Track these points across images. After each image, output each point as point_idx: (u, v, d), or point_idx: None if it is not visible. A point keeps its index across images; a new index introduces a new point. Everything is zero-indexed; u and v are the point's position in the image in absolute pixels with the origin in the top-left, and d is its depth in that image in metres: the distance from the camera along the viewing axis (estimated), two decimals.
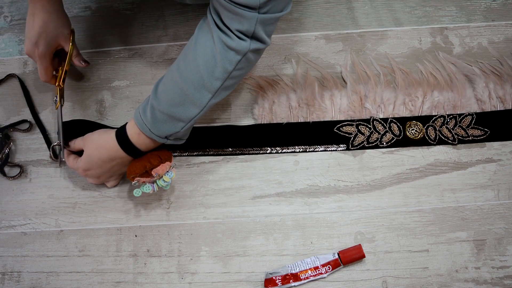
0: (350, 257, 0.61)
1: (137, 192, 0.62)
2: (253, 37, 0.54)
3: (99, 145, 0.61)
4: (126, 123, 0.61)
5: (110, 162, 0.62)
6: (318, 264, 0.61)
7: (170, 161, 0.62)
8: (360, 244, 0.62)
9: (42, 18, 0.62)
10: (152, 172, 0.60)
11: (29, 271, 0.64)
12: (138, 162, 0.61)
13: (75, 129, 0.69)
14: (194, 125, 0.71)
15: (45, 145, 0.70)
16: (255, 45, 0.54)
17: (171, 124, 0.58)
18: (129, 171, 0.61)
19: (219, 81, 0.56)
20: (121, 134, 0.60)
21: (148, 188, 0.62)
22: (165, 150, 0.62)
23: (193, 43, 0.57)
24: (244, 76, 0.62)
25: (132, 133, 0.60)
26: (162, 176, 0.61)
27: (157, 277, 0.63)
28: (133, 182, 0.61)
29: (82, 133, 0.65)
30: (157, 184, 0.62)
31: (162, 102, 0.57)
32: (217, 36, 0.54)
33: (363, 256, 0.62)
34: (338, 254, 0.62)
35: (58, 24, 0.64)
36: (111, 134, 0.61)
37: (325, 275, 0.61)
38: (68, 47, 0.66)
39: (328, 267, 0.61)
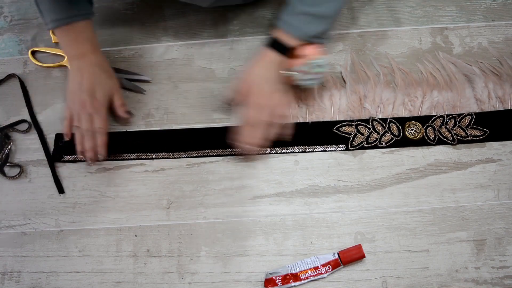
0: (350, 257, 0.62)
1: (303, 81, 0.65)
2: None
3: (263, 69, 0.65)
4: (272, 38, 0.66)
5: (277, 83, 0.65)
6: (318, 264, 0.61)
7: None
8: (360, 244, 0.62)
9: (93, 71, 0.65)
10: (302, 53, 0.63)
11: (29, 271, 0.64)
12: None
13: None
14: (194, 126, 0.71)
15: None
16: None
17: (317, 24, 0.64)
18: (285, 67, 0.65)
19: None
20: (276, 45, 0.65)
21: (301, 68, 0.64)
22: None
23: None
24: None
25: (285, 40, 0.65)
26: (314, 57, 0.63)
27: (157, 277, 0.63)
28: (287, 72, 0.64)
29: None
30: (311, 65, 0.63)
31: (306, 4, 0.63)
32: None
33: (363, 256, 0.62)
34: (338, 254, 0.62)
35: (108, 75, 0.67)
36: (266, 54, 0.65)
37: (325, 275, 0.61)
38: (119, 99, 0.68)
39: (328, 267, 0.61)
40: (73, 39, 0.65)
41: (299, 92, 0.70)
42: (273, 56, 0.65)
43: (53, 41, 0.77)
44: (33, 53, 0.76)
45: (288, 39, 0.65)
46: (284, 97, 0.67)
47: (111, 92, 0.67)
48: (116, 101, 0.68)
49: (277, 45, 0.65)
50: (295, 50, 0.65)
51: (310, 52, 0.64)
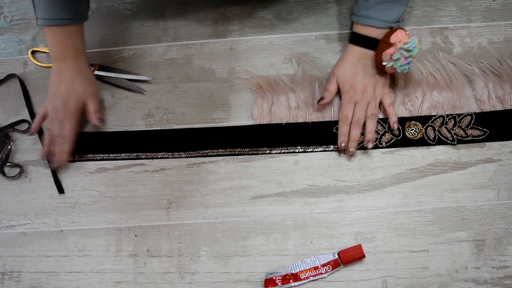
0: (350, 257, 0.62)
1: (399, 68, 0.65)
2: None
3: (353, 67, 0.67)
4: (355, 34, 0.68)
5: (369, 76, 0.67)
6: (318, 264, 0.61)
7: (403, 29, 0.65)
8: (360, 244, 0.62)
9: (71, 76, 0.66)
10: (391, 41, 0.63)
11: (29, 271, 0.64)
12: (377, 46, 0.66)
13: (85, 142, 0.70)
14: (194, 125, 0.71)
15: None
16: None
17: (394, 8, 0.65)
18: (376, 58, 0.66)
19: None
20: (360, 40, 0.67)
21: (396, 56, 0.63)
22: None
23: None
24: None
25: (366, 33, 0.67)
26: (404, 41, 0.63)
27: (157, 277, 0.63)
28: (383, 62, 0.64)
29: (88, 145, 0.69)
30: (404, 49, 0.63)
31: None
32: None
33: (363, 256, 0.62)
34: (338, 254, 0.62)
35: (86, 82, 0.67)
36: (353, 50, 0.68)
37: (325, 275, 0.61)
38: (94, 104, 0.68)
39: (328, 267, 0.61)
40: (60, 41, 0.65)
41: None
42: (359, 51, 0.68)
43: None
44: (33, 53, 0.77)
45: (370, 32, 0.67)
46: (380, 88, 0.68)
47: (85, 99, 0.67)
48: (90, 107, 0.68)
49: (361, 40, 0.67)
50: (381, 40, 0.66)
51: (398, 38, 0.64)
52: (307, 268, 0.61)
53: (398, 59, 0.63)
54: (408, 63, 0.64)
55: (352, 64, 0.68)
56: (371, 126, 0.67)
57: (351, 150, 0.67)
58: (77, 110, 0.67)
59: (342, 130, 0.67)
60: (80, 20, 0.66)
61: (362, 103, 0.67)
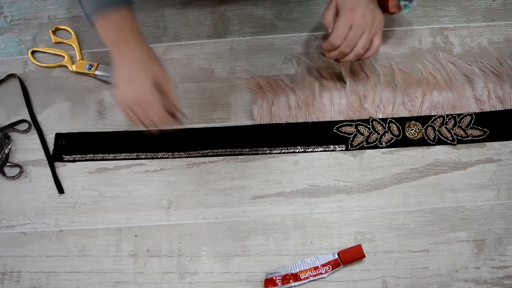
0: (351, 257, 0.62)
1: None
2: None
3: None
4: None
5: (372, 3, 0.64)
6: (318, 264, 0.61)
7: None
8: (360, 244, 0.62)
9: (135, 62, 0.60)
10: None
11: (29, 271, 0.64)
12: None
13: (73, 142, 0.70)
14: (194, 126, 0.71)
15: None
16: None
17: None
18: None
19: None
20: None
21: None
22: None
23: None
24: None
25: None
26: None
27: (157, 277, 0.63)
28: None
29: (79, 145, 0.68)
30: None
31: None
32: None
33: (363, 256, 0.62)
34: (338, 254, 0.62)
35: (155, 64, 0.61)
36: None
37: (325, 275, 0.61)
38: (168, 87, 0.61)
39: (328, 267, 0.61)
40: (116, 26, 0.59)
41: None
42: None
43: (53, 41, 0.77)
44: (33, 53, 0.76)
45: None
46: (377, 23, 0.64)
47: (158, 81, 0.60)
48: (165, 91, 0.61)
49: None
50: None
51: None
52: (307, 268, 0.61)
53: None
54: (411, 1, 0.65)
55: None
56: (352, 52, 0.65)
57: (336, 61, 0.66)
58: (154, 92, 0.59)
59: (331, 48, 0.65)
60: (130, 3, 0.61)
61: (359, 28, 0.63)
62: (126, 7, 0.60)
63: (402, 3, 0.65)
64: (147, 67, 0.60)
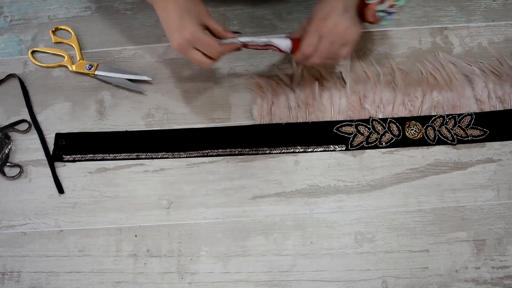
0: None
1: (382, 14, 0.63)
2: None
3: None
4: None
5: (349, 15, 0.62)
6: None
7: None
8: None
9: (176, 4, 0.61)
10: None
11: (29, 271, 0.64)
12: None
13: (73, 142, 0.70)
14: (194, 126, 0.71)
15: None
16: None
17: None
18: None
19: None
20: None
21: (383, 6, 0.62)
22: None
23: None
24: None
25: None
26: None
27: (157, 277, 0.63)
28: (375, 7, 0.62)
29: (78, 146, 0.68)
30: None
31: None
32: None
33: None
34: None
35: (194, 4, 0.62)
36: None
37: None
38: (214, 23, 0.64)
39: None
40: None
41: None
42: None
43: (53, 41, 0.77)
44: (33, 53, 0.77)
45: None
46: (350, 34, 0.62)
47: (203, 20, 0.63)
48: (212, 26, 0.63)
49: None
50: None
51: None
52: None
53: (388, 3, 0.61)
54: (393, 13, 0.62)
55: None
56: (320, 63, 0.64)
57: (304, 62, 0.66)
58: (203, 31, 0.62)
59: (300, 58, 0.64)
60: None
61: (327, 38, 0.62)
62: None
63: (379, 14, 0.62)
64: (190, 10, 0.62)
